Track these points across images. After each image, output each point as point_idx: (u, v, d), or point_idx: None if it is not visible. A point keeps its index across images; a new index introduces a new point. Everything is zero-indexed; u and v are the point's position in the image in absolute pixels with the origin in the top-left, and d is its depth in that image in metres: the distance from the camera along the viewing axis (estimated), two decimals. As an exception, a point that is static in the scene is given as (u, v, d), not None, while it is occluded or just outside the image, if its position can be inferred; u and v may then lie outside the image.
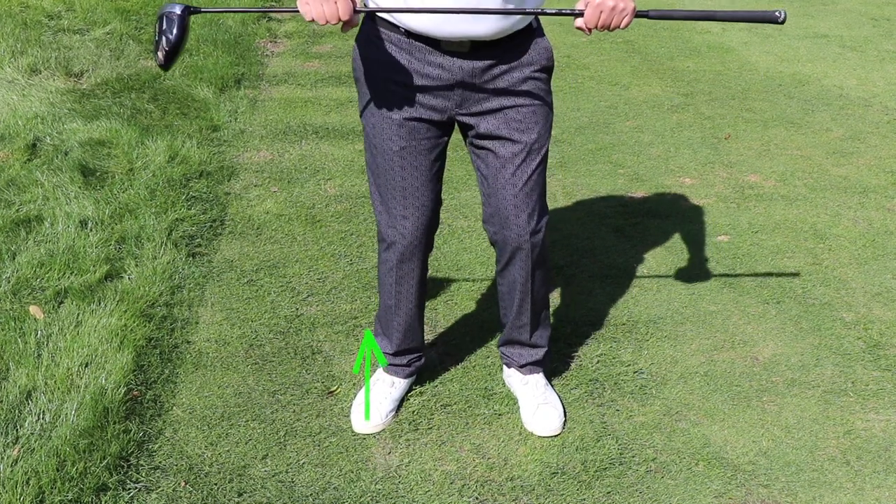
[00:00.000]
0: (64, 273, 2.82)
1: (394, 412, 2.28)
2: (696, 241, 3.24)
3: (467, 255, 3.10)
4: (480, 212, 3.40)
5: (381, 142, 1.99)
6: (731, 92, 5.00)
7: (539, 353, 2.31)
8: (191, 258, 3.01)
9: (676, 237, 3.26)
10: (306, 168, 3.82)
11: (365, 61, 1.96)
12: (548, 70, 1.98)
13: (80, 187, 3.40)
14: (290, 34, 6.11)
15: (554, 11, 1.75)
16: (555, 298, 2.83)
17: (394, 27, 1.88)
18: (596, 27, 1.73)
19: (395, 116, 1.95)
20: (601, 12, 1.71)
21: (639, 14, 1.74)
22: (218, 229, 3.25)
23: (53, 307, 2.65)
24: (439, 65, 1.88)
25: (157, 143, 3.85)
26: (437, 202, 2.09)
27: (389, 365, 2.32)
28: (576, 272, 3.01)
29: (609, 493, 2.05)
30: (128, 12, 5.99)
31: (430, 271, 2.86)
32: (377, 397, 2.26)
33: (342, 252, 3.11)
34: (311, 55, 5.60)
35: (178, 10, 1.68)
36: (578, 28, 1.75)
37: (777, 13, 1.74)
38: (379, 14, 1.89)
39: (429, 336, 2.62)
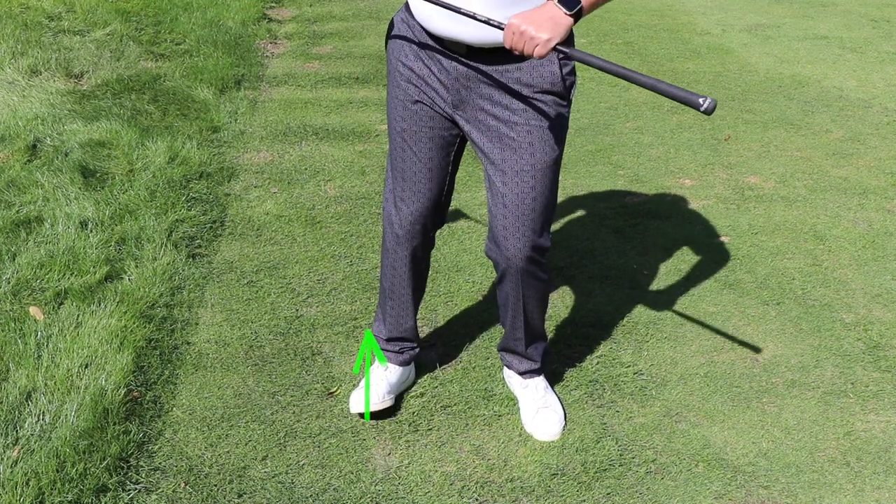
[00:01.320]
0: (64, 274, 2.82)
1: (391, 396, 2.28)
2: (696, 243, 3.24)
3: (467, 256, 3.10)
4: (481, 213, 3.41)
5: (391, 121, 2.03)
6: (730, 93, 5.00)
7: (535, 364, 2.31)
8: (191, 259, 3.01)
9: (676, 238, 3.26)
10: (306, 169, 3.82)
11: (388, 40, 2.00)
12: (553, 93, 1.86)
13: (80, 188, 3.40)
14: (290, 35, 6.10)
15: (484, 19, 1.67)
16: (555, 300, 2.83)
17: (413, 15, 1.91)
18: (510, 48, 1.65)
19: (400, 97, 1.97)
20: (513, 34, 1.62)
21: (557, 49, 1.63)
22: (218, 230, 3.25)
23: (53, 308, 2.65)
24: (439, 61, 1.89)
25: (157, 145, 3.85)
26: (437, 195, 2.07)
27: (383, 350, 2.34)
28: (576, 273, 3.01)
29: (609, 494, 2.05)
30: (128, 13, 5.99)
31: (430, 271, 2.86)
32: (373, 381, 2.27)
33: (342, 253, 3.11)
34: (311, 56, 5.60)
35: None
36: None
37: (701, 100, 1.54)
38: (408, 1, 1.93)
39: (428, 336, 2.63)
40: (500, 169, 1.92)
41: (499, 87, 1.86)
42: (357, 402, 2.24)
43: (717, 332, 2.69)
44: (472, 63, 1.85)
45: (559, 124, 1.90)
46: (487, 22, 1.67)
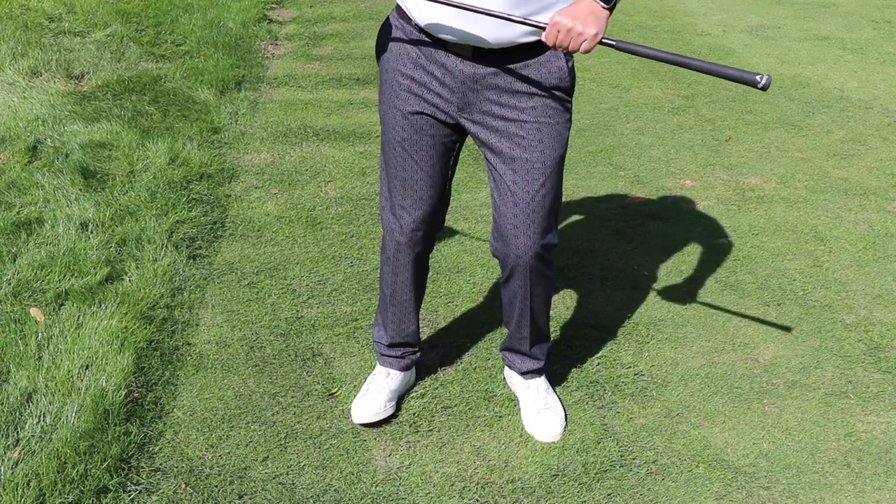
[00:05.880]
0: (64, 275, 2.83)
1: (392, 403, 2.28)
2: (696, 244, 3.24)
3: (468, 257, 3.10)
4: (481, 214, 3.41)
5: (388, 130, 1.99)
6: (731, 94, 5.00)
7: (538, 364, 2.31)
8: (191, 260, 3.01)
9: (677, 239, 3.26)
10: (307, 170, 3.83)
11: (381, 48, 1.97)
12: (560, 90, 1.88)
13: (80, 189, 3.41)
14: (290, 36, 6.11)
15: (519, 20, 1.68)
16: (555, 301, 2.83)
17: (408, 19, 1.88)
18: (554, 46, 1.68)
19: (400, 107, 1.94)
20: (558, 32, 1.65)
21: (603, 42, 1.66)
22: (218, 231, 3.25)
23: (54, 309, 2.65)
24: (443, 64, 1.87)
25: (157, 146, 3.85)
26: (438, 200, 2.07)
27: (384, 356, 2.32)
28: (576, 274, 3.01)
29: (609, 495, 2.05)
30: (128, 14, 5.99)
31: (430, 272, 2.86)
32: (374, 388, 2.26)
33: (343, 254, 3.11)
34: (311, 57, 5.61)
35: None
36: (544, 42, 1.69)
37: (758, 77, 1.58)
38: (399, 3, 1.89)
39: (429, 337, 2.63)
40: (510, 167, 1.92)
41: (507, 86, 1.85)
42: (360, 412, 2.24)
43: (718, 333, 2.69)
44: (479, 64, 1.84)
45: (566, 120, 1.92)
46: (524, 22, 1.67)
